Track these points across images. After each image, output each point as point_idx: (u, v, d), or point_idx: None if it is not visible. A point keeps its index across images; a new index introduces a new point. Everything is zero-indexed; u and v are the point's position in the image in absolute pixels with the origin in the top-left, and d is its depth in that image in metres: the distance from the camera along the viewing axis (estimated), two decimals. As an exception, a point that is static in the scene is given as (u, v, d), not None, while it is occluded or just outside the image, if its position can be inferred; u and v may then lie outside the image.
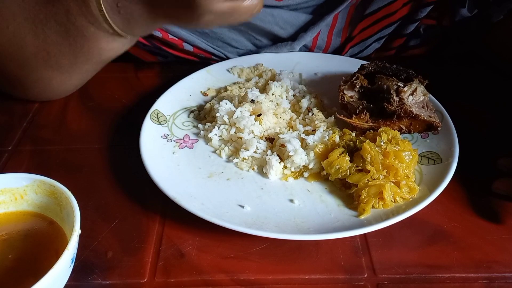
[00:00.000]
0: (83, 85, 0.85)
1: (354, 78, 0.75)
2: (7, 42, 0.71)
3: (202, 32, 0.91)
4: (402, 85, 0.71)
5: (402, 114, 0.70)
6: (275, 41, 0.94)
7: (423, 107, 0.72)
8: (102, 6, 0.63)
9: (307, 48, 0.95)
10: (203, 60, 0.95)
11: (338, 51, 0.97)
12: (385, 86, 0.72)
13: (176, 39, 0.89)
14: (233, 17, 0.60)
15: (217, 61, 0.95)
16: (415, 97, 0.71)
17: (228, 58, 0.94)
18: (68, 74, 0.74)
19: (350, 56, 0.97)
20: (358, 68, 0.79)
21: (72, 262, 0.52)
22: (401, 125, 0.71)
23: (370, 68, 0.77)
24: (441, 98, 0.77)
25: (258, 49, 0.96)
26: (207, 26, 0.62)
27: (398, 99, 0.70)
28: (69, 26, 0.67)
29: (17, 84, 0.78)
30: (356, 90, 0.75)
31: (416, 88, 0.71)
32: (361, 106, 0.72)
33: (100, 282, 0.56)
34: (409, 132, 0.71)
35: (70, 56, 0.70)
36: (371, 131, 0.70)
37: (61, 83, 0.76)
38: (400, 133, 0.71)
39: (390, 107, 0.70)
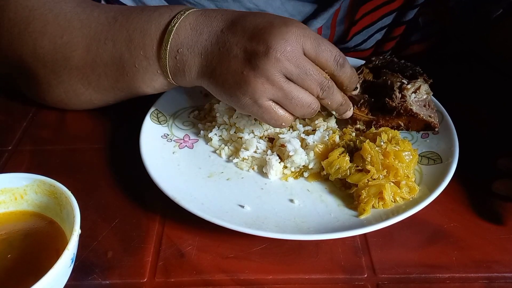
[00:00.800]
0: None
1: (359, 71, 0.75)
2: (53, 50, 0.71)
3: None
4: (406, 82, 0.71)
5: (402, 111, 0.70)
6: None
7: (424, 105, 0.72)
8: (166, 45, 0.65)
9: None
10: None
11: (343, 37, 0.97)
12: (389, 81, 0.72)
13: None
14: (268, 116, 0.63)
15: None
16: (418, 95, 0.71)
17: None
18: (101, 95, 0.74)
19: (354, 46, 0.97)
20: (366, 61, 0.79)
21: (72, 262, 0.52)
22: (399, 122, 0.71)
23: (377, 62, 0.77)
24: (441, 98, 0.77)
25: None
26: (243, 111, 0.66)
27: (400, 95, 0.70)
28: (125, 53, 0.67)
29: (41, 91, 0.77)
30: (359, 84, 0.75)
31: (419, 86, 0.71)
32: (362, 100, 0.72)
33: (100, 282, 0.56)
34: (407, 129, 0.72)
35: (112, 79, 0.70)
36: (372, 128, 0.71)
37: (89, 100, 0.76)
38: (398, 130, 0.71)
39: (391, 103, 0.70)
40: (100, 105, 0.79)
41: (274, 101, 0.62)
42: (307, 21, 0.92)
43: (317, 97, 0.64)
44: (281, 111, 0.63)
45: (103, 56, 0.69)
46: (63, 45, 0.70)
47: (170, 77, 0.67)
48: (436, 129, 0.71)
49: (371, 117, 0.71)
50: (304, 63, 0.62)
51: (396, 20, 0.94)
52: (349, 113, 0.71)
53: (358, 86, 0.74)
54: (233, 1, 0.87)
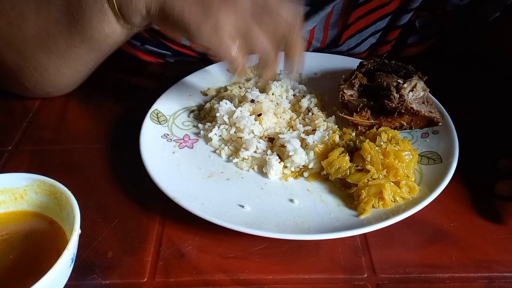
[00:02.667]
0: (79, 84, 0.85)
1: (353, 77, 0.76)
2: (8, 25, 0.73)
3: None
4: (401, 82, 0.71)
5: (403, 111, 0.70)
6: None
7: (423, 102, 0.72)
8: None
9: (305, 40, 0.95)
10: (200, 55, 0.95)
11: (335, 41, 0.97)
12: (384, 83, 0.73)
13: None
14: (224, 49, 0.63)
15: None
16: (415, 93, 0.72)
17: None
18: (64, 59, 0.75)
19: (347, 50, 0.97)
20: (358, 66, 0.79)
21: (72, 262, 0.52)
22: (402, 122, 0.71)
23: (369, 66, 0.77)
24: (441, 98, 0.77)
25: None
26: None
27: (398, 95, 0.71)
28: (72, 1, 0.69)
29: (15, 76, 0.79)
30: (355, 88, 0.75)
31: (416, 84, 0.72)
32: (361, 104, 0.72)
33: (100, 282, 0.56)
34: (410, 128, 0.72)
35: (67, 35, 0.72)
36: (373, 129, 0.71)
37: (58, 71, 0.77)
38: (401, 129, 0.71)
39: (390, 104, 0.70)
40: (72, 77, 0.80)
41: (234, 36, 0.62)
42: None
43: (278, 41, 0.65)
44: (236, 51, 0.63)
45: (53, 13, 0.70)
46: (15, 16, 0.72)
47: (116, 8, 0.67)
48: (440, 124, 0.71)
49: (373, 121, 0.71)
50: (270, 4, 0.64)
51: (390, 24, 0.94)
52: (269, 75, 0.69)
53: (355, 90, 0.74)
54: None
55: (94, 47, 0.74)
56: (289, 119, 0.77)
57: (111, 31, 0.71)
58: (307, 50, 0.98)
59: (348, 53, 0.98)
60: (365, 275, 0.56)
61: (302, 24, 0.67)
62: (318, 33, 0.95)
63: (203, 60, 0.97)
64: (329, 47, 0.98)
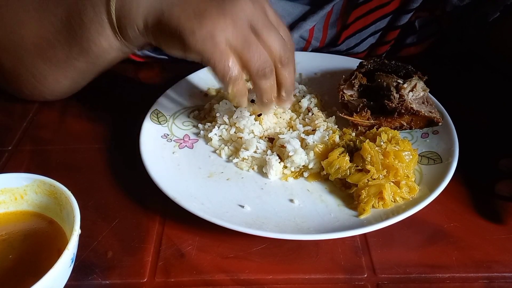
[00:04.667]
0: (77, 91, 0.84)
1: (353, 77, 0.76)
2: (10, 34, 0.73)
3: None
4: (401, 82, 0.71)
5: (403, 111, 0.70)
6: None
7: (423, 102, 0.72)
8: None
9: (305, 40, 0.95)
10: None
11: (335, 40, 0.97)
12: (384, 83, 0.73)
13: None
14: (217, 59, 0.61)
15: None
16: (415, 93, 0.72)
17: None
18: (63, 70, 0.75)
19: (347, 49, 0.97)
20: (357, 66, 0.79)
21: (72, 262, 0.52)
22: (402, 122, 0.71)
23: (369, 66, 0.77)
24: (441, 98, 0.77)
25: None
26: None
27: (398, 96, 0.71)
28: (72, 8, 0.68)
29: (13, 80, 0.79)
30: (355, 89, 0.75)
31: (415, 84, 0.72)
32: (361, 104, 0.72)
33: (100, 282, 0.56)
34: (410, 128, 0.72)
35: (66, 46, 0.71)
36: (373, 129, 0.71)
37: (56, 81, 0.77)
38: (401, 130, 0.71)
39: (390, 104, 0.70)
40: (70, 86, 0.80)
41: (230, 47, 0.60)
42: (296, 22, 0.92)
43: (275, 60, 0.63)
44: (231, 60, 0.60)
45: (55, 23, 0.70)
46: (17, 25, 0.72)
47: (115, 21, 0.66)
48: (440, 124, 0.71)
49: (373, 121, 0.71)
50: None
51: (390, 24, 0.94)
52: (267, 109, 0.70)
53: (355, 91, 0.75)
54: None
55: (91, 61, 0.73)
56: (289, 119, 0.77)
57: (108, 46, 0.70)
58: (307, 49, 0.98)
59: (347, 52, 0.98)
60: (365, 275, 0.57)
61: (293, 49, 0.67)
62: (318, 33, 0.95)
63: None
64: (328, 47, 0.98)
